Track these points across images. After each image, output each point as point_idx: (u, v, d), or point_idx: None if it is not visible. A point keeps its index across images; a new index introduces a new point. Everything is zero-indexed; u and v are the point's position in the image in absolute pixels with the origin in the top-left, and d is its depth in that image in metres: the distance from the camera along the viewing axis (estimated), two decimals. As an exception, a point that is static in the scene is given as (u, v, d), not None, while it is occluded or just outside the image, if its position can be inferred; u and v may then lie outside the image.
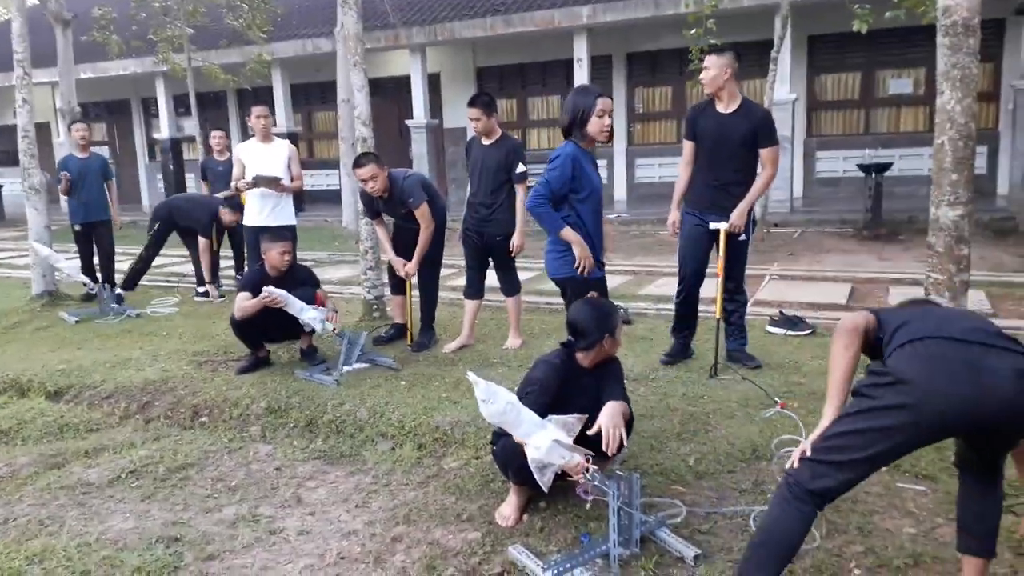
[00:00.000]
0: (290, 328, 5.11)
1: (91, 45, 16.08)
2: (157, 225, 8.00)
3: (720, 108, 4.61)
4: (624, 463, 3.52)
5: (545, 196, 3.82)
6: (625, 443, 2.90)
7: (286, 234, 5.40)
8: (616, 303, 6.45)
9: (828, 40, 13.12)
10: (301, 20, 15.88)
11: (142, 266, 8.16)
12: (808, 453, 2.24)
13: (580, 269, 3.84)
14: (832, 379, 2.30)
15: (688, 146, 4.78)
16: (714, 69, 4.52)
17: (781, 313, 5.86)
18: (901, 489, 3.20)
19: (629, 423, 3.27)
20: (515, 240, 5.23)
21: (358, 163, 5.20)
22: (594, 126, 3.80)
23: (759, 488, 3.28)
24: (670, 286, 6.84)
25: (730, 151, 4.57)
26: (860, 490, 3.06)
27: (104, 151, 20.71)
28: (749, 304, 6.69)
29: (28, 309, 7.64)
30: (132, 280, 8.13)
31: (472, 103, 5.21)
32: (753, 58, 13.11)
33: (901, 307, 2.49)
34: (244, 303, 4.95)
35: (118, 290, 7.58)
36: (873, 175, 10.32)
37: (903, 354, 2.14)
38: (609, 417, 2.89)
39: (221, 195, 7.63)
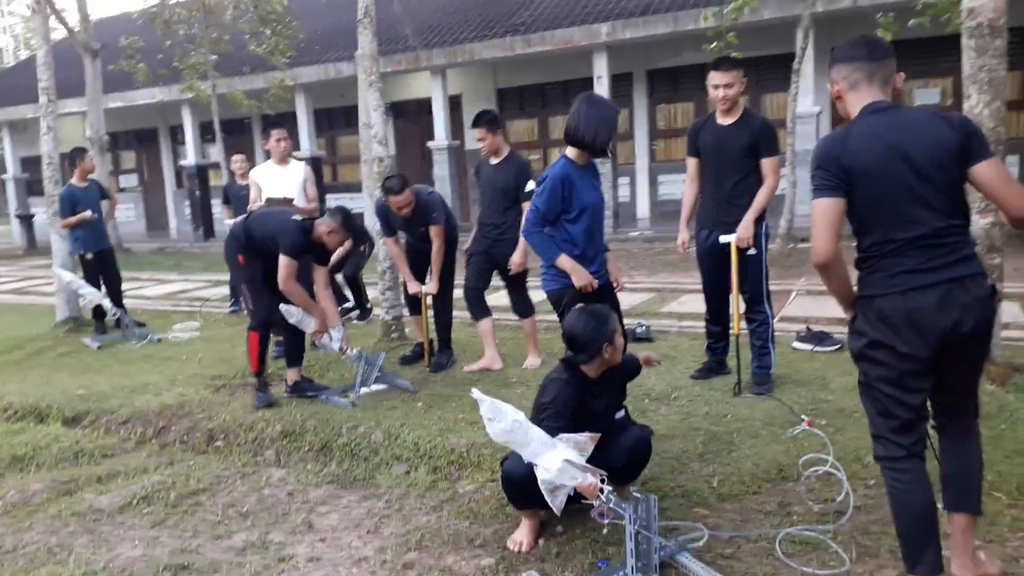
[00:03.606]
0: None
1: (120, 75, 16.37)
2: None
3: (720, 121, 4.49)
4: (644, 485, 3.39)
5: (537, 224, 3.73)
6: None
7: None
8: (638, 321, 6.47)
9: (853, 52, 12.91)
10: (324, 45, 16.02)
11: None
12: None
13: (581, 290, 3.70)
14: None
15: (691, 163, 4.70)
16: (738, 84, 4.38)
17: (808, 329, 5.69)
18: None
19: (646, 451, 3.17)
20: (514, 258, 5.07)
21: (393, 189, 5.05)
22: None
23: (785, 510, 3.14)
24: (693, 303, 6.69)
25: (731, 163, 4.45)
26: None
27: (133, 179, 21.09)
28: (775, 319, 6.57)
29: (52, 335, 7.69)
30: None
31: (476, 123, 5.14)
32: (776, 71, 12.99)
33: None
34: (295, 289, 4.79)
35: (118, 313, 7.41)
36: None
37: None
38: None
39: (238, 219, 7.53)
